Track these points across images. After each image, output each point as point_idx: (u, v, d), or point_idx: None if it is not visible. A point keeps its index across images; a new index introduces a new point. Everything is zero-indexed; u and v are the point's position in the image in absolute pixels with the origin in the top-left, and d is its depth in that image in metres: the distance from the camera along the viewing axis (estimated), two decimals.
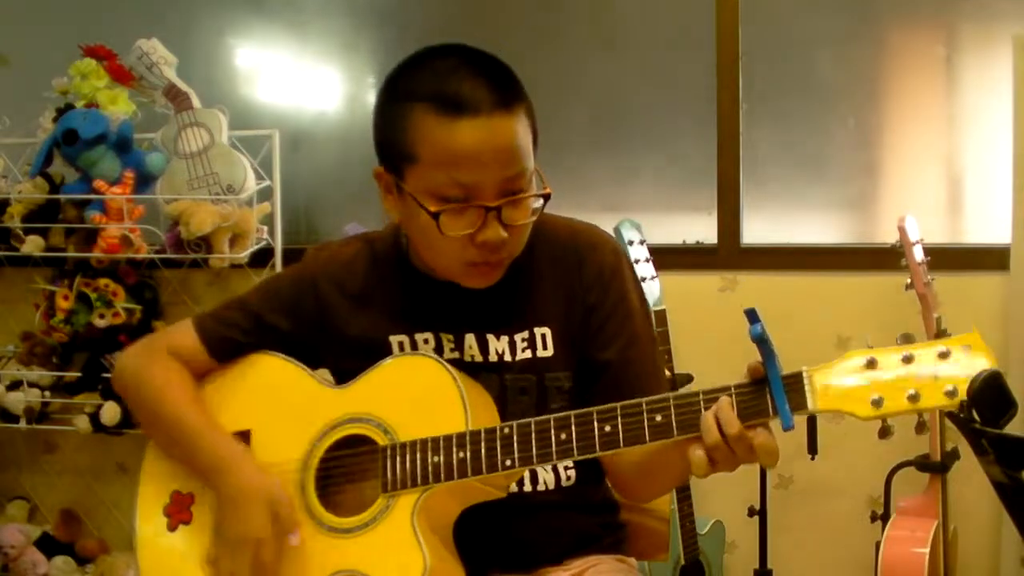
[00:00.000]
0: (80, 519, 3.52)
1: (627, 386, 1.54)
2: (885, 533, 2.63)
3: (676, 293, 2.81)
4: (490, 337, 1.63)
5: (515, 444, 1.47)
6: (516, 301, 1.63)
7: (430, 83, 1.51)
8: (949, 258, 2.82)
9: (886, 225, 2.94)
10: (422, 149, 1.50)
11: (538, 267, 1.65)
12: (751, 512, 2.82)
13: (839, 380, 1.34)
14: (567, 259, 1.65)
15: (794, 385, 1.35)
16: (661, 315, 2.73)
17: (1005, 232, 2.81)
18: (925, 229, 2.66)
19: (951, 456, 2.67)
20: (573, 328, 1.63)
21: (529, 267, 1.64)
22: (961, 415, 1.59)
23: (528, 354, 1.62)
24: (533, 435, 1.47)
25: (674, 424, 1.41)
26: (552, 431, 1.46)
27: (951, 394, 1.29)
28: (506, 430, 1.48)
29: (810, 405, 1.34)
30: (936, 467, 2.65)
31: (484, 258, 1.54)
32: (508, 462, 1.47)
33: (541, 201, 1.54)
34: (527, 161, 1.52)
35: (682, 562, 2.73)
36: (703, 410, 1.39)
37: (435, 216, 1.50)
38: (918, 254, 2.60)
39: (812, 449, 2.71)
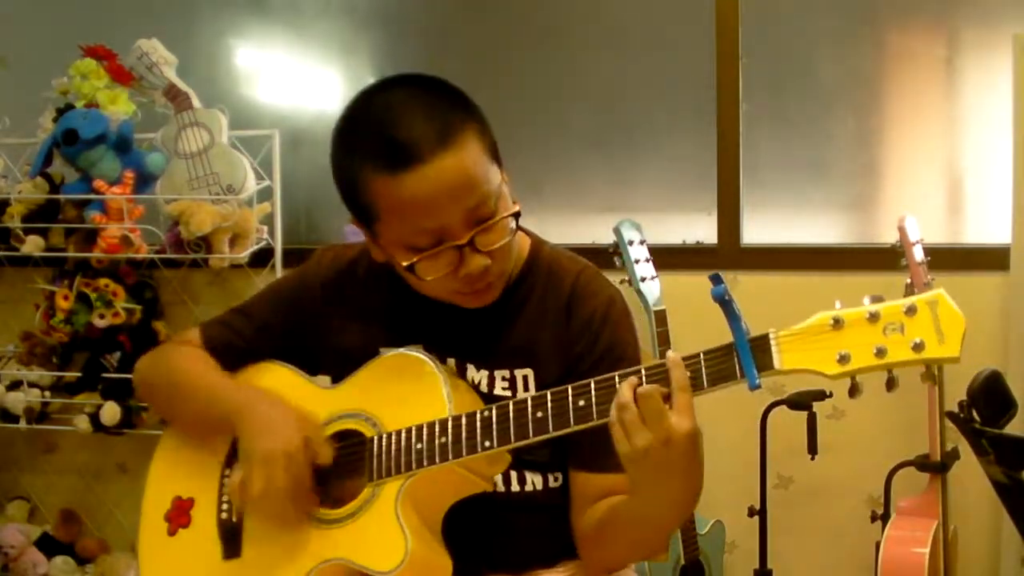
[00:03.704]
0: (80, 519, 3.52)
1: (606, 437, 1.43)
2: (885, 533, 2.63)
3: (676, 293, 2.81)
4: (469, 366, 1.63)
5: (494, 425, 1.49)
6: (502, 338, 1.63)
7: (371, 137, 1.50)
8: (949, 258, 2.82)
9: (886, 225, 2.94)
10: (380, 207, 1.51)
11: (532, 307, 1.64)
12: (751, 512, 2.82)
13: (806, 340, 1.34)
14: (559, 305, 1.64)
15: (761, 346, 1.35)
16: (661, 315, 2.73)
17: (1005, 232, 2.82)
18: (925, 229, 2.66)
19: (951, 456, 2.67)
20: (557, 373, 1.61)
21: (523, 305, 1.64)
22: (961, 415, 1.59)
23: (508, 393, 1.62)
24: (511, 415, 1.48)
25: None
26: (529, 409, 1.47)
27: (918, 347, 1.29)
28: (486, 413, 1.50)
29: (776, 364, 1.34)
30: (936, 467, 2.65)
31: (473, 287, 1.54)
32: (487, 443, 1.49)
33: (513, 218, 1.52)
34: (487, 184, 1.50)
35: (682, 562, 2.73)
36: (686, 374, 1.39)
37: (410, 268, 1.51)
38: (918, 254, 2.60)
39: (812, 449, 2.71)
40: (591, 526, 1.59)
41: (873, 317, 1.31)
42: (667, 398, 1.38)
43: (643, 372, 1.41)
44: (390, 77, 1.56)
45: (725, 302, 1.35)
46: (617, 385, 1.42)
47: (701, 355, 1.39)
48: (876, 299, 1.34)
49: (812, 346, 1.33)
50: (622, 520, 1.53)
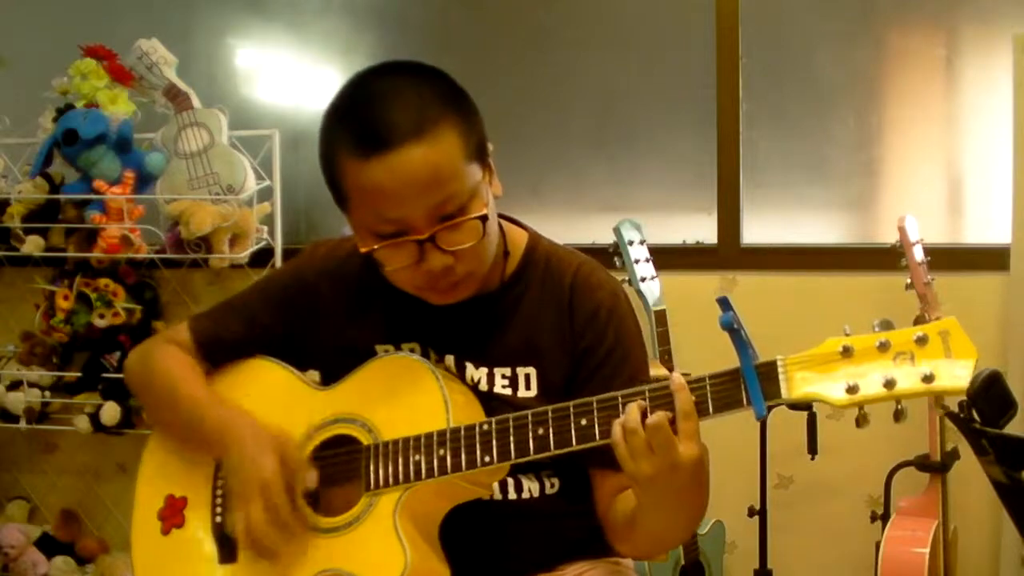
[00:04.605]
0: (80, 519, 3.52)
1: None
2: (885, 533, 2.63)
3: (676, 293, 2.81)
4: (468, 364, 1.61)
5: (494, 440, 1.47)
6: (501, 335, 1.61)
7: (350, 118, 1.49)
8: (949, 258, 2.82)
9: (886, 225, 2.94)
10: (347, 190, 1.50)
11: (531, 303, 1.62)
12: (751, 512, 2.82)
13: (814, 368, 1.32)
14: (560, 299, 1.62)
15: (768, 374, 1.33)
16: (661, 315, 2.73)
17: (1005, 232, 2.81)
18: (925, 229, 2.66)
19: (951, 456, 2.67)
20: (561, 371, 1.60)
21: (520, 301, 1.62)
22: (961, 415, 1.58)
23: (508, 391, 1.60)
24: (511, 430, 1.47)
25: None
26: (530, 426, 1.46)
27: (928, 379, 1.27)
28: (485, 426, 1.48)
29: (784, 394, 1.32)
30: (936, 467, 2.65)
31: (435, 284, 1.52)
32: (487, 458, 1.47)
33: (481, 221, 1.49)
34: (456, 183, 1.46)
35: (682, 562, 2.73)
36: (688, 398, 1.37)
37: (369, 255, 1.50)
38: (918, 254, 2.60)
39: (812, 449, 2.71)
40: (616, 520, 1.58)
41: (883, 346, 1.29)
42: (672, 421, 1.36)
43: (647, 393, 1.39)
44: (391, 62, 1.55)
45: (734, 330, 1.32)
46: (620, 404, 1.40)
47: (707, 380, 1.37)
48: (885, 324, 1.32)
49: (820, 374, 1.31)
50: (636, 518, 1.52)
